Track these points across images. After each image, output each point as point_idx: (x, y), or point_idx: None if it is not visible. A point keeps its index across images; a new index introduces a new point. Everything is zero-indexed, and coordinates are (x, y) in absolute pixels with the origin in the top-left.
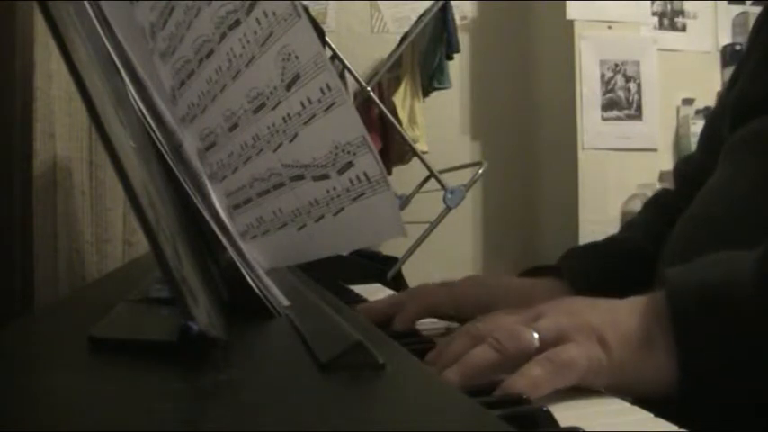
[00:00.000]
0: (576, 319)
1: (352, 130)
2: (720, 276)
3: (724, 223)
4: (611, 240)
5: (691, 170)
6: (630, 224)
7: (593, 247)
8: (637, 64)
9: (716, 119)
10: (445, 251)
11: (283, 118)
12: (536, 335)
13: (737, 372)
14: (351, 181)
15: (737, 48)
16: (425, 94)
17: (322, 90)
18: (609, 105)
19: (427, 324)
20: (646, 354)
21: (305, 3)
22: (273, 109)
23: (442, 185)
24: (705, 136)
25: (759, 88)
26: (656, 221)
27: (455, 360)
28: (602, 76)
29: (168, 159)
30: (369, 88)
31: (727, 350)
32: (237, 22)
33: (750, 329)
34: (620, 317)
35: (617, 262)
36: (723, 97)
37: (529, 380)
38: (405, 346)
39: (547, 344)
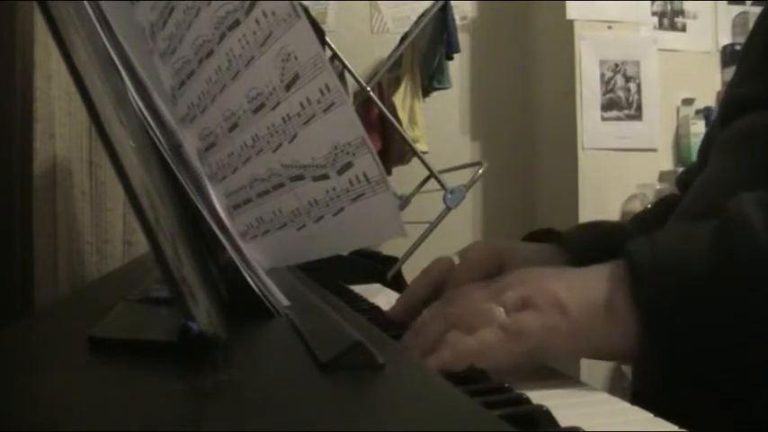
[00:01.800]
0: (539, 288)
1: (351, 131)
2: (677, 244)
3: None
4: (616, 223)
5: (691, 179)
6: (635, 217)
7: (599, 224)
8: (637, 64)
9: (712, 124)
10: (445, 251)
11: (283, 118)
12: (502, 309)
13: (694, 332)
14: (350, 181)
15: (737, 48)
16: (425, 94)
17: (321, 90)
18: (609, 105)
19: None
20: (608, 318)
21: (305, 3)
22: (273, 109)
23: (442, 185)
24: (703, 145)
25: (752, 87)
26: (655, 222)
27: (431, 344)
28: (602, 76)
29: (168, 159)
30: (369, 88)
31: (683, 311)
32: (237, 23)
33: (704, 293)
34: (584, 283)
35: (617, 242)
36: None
37: (481, 344)
38: None
39: (511, 312)
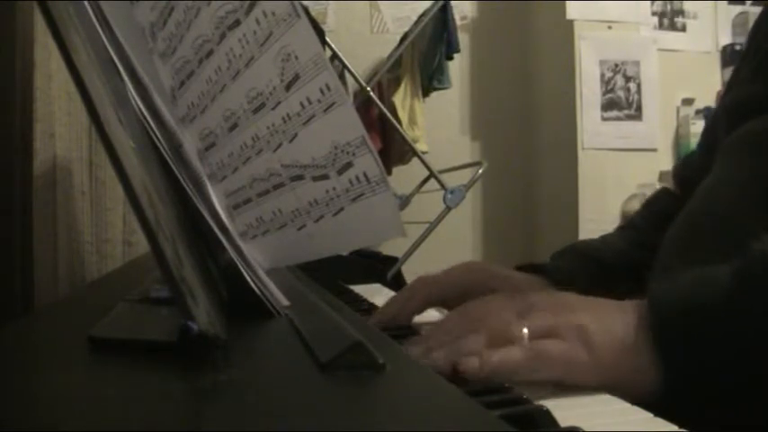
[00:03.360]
0: (565, 318)
1: (351, 131)
2: (700, 291)
3: (724, 219)
4: (602, 243)
5: (690, 175)
6: (628, 225)
7: (582, 249)
8: (637, 64)
9: (715, 123)
10: (445, 251)
11: (283, 118)
12: (526, 331)
13: (715, 379)
14: (350, 181)
15: (737, 48)
16: (425, 94)
17: (321, 90)
18: (609, 105)
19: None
20: (630, 357)
21: (305, 3)
22: (273, 109)
23: (442, 185)
24: (704, 140)
25: (755, 90)
26: (650, 230)
27: (448, 340)
28: (602, 76)
29: (168, 159)
30: (369, 88)
31: (704, 359)
32: (237, 23)
33: (725, 342)
34: (609, 319)
35: (603, 268)
36: (721, 101)
37: (506, 358)
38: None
39: (535, 339)
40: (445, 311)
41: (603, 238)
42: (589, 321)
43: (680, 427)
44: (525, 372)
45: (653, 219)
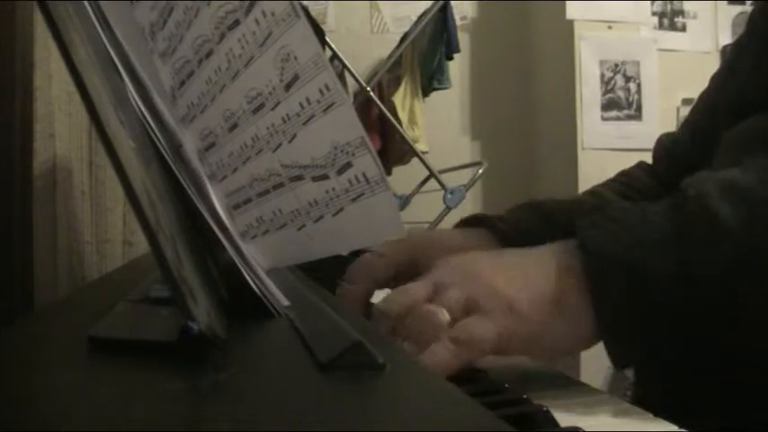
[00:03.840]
0: (483, 287)
1: (350, 131)
2: (633, 242)
3: None
4: (563, 202)
5: (679, 154)
6: (594, 193)
7: (538, 205)
8: (637, 64)
9: (712, 114)
10: None
11: (282, 118)
12: (445, 312)
13: (653, 332)
14: (350, 181)
15: None
16: (425, 94)
17: (321, 90)
18: (609, 105)
19: None
20: (560, 316)
21: (304, 3)
22: (272, 109)
23: (442, 185)
24: (696, 125)
25: (757, 86)
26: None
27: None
28: (602, 76)
29: (168, 159)
30: (369, 88)
31: (640, 311)
32: (237, 23)
33: (663, 292)
34: (531, 278)
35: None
36: (717, 92)
37: (433, 360)
38: None
39: (458, 316)
40: None
41: (559, 201)
42: (506, 285)
43: (679, 421)
44: (460, 362)
45: (620, 190)
